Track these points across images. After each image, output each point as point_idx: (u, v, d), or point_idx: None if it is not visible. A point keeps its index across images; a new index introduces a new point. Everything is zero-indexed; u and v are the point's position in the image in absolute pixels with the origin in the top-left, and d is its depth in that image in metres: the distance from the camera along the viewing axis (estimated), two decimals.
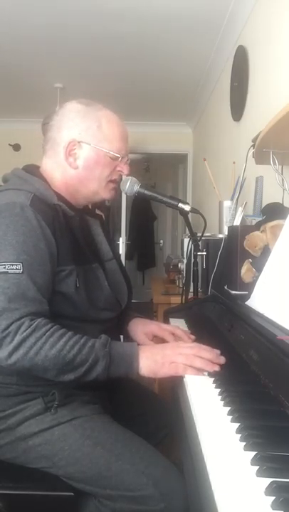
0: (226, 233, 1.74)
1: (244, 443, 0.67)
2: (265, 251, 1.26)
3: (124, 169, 1.25)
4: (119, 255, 1.44)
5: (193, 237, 1.68)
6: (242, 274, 1.33)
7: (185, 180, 5.58)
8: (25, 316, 1.00)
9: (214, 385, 0.94)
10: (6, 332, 0.97)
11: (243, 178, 2.04)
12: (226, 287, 1.50)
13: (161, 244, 6.92)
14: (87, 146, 1.19)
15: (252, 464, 0.62)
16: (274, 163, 1.45)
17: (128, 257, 6.54)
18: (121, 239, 5.45)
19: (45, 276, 1.06)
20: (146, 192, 1.41)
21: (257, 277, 1.21)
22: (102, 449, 1.02)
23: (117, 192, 1.32)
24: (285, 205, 1.53)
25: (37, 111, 4.30)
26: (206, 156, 3.65)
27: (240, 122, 2.71)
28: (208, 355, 1.02)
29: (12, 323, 0.98)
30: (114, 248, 1.38)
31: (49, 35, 3.10)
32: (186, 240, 2.11)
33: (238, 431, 0.71)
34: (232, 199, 2.11)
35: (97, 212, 1.38)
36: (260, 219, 1.42)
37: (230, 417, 0.77)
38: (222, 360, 1.03)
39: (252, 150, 1.63)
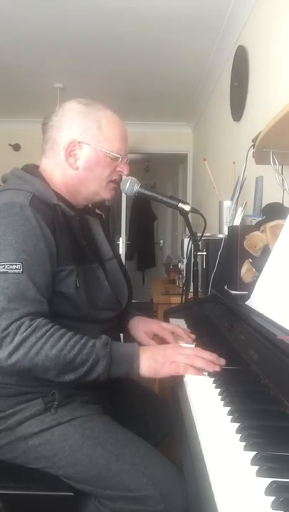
0: (226, 233, 1.73)
1: (244, 443, 0.67)
2: (265, 251, 1.26)
3: (124, 169, 1.25)
4: (120, 255, 1.44)
5: (193, 237, 1.68)
6: (242, 274, 1.33)
7: (185, 180, 5.58)
8: (25, 316, 1.00)
9: (214, 385, 0.94)
10: (6, 332, 0.97)
11: (243, 178, 2.04)
12: (226, 287, 1.50)
13: (161, 244, 6.92)
14: (87, 146, 1.19)
15: (252, 464, 0.62)
16: (274, 163, 1.45)
17: (128, 257, 6.54)
18: (121, 239, 5.45)
19: (45, 276, 1.06)
20: (146, 192, 1.41)
21: (257, 277, 1.21)
22: (102, 449, 1.02)
23: (117, 192, 1.32)
24: (285, 205, 1.53)
25: (37, 111, 4.30)
26: (206, 156, 3.65)
27: (240, 122, 2.71)
28: (208, 356, 1.02)
29: (12, 323, 0.98)
30: (115, 248, 1.38)
31: (49, 35, 3.10)
32: (186, 240, 2.12)
33: (238, 431, 0.71)
34: (232, 199, 2.11)
35: (97, 211, 1.38)
36: (260, 219, 1.42)
37: (230, 417, 0.77)
38: (222, 361, 1.03)
39: (252, 150, 1.63)
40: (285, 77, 1.92)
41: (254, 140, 1.59)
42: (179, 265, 2.60)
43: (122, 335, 1.38)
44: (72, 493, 1.05)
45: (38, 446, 1.06)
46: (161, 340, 1.31)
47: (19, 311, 0.99)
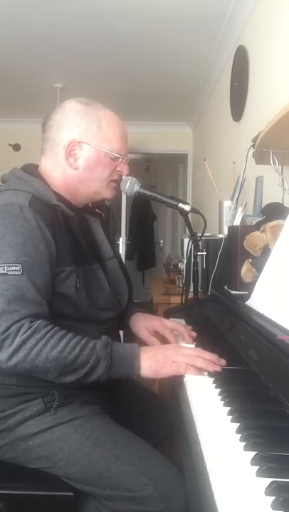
0: (226, 233, 1.73)
1: (244, 443, 0.67)
2: (265, 251, 1.26)
3: (124, 169, 1.25)
4: (120, 254, 1.44)
5: (193, 237, 1.68)
6: (242, 274, 1.33)
7: (185, 180, 5.58)
8: (24, 317, 1.00)
9: (214, 385, 0.94)
10: (6, 334, 0.97)
11: (243, 178, 2.04)
12: (226, 287, 1.50)
13: (161, 244, 6.92)
14: (87, 146, 1.19)
15: (252, 464, 0.62)
16: (274, 163, 1.45)
17: (128, 257, 6.54)
18: (121, 239, 5.45)
19: (45, 277, 1.06)
20: (146, 192, 1.41)
21: (257, 277, 1.21)
22: (102, 450, 1.02)
23: (118, 192, 1.32)
24: (285, 205, 1.53)
25: (37, 111, 4.29)
26: (206, 156, 3.65)
27: (240, 122, 2.71)
28: (209, 357, 1.02)
29: (12, 325, 0.98)
30: (115, 247, 1.38)
31: (49, 35, 3.10)
32: (186, 240, 2.11)
33: (238, 431, 0.71)
34: (232, 199, 2.11)
35: (97, 211, 1.38)
36: (260, 219, 1.42)
37: (230, 417, 0.77)
38: (223, 362, 1.03)
39: (252, 150, 1.63)
40: (285, 77, 1.92)
41: (254, 140, 1.59)
42: (179, 265, 2.60)
43: (121, 332, 1.37)
44: (72, 493, 1.05)
45: (38, 446, 1.06)
46: (162, 339, 1.30)
47: (19, 313, 0.99)
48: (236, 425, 0.73)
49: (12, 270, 1.01)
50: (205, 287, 1.96)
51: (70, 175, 1.20)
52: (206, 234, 1.93)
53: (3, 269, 1.01)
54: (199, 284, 1.85)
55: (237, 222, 1.62)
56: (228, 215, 2.09)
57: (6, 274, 1.01)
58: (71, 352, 0.99)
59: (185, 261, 2.00)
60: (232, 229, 1.52)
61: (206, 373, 1.01)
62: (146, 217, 7.40)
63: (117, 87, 3.98)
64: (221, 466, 0.62)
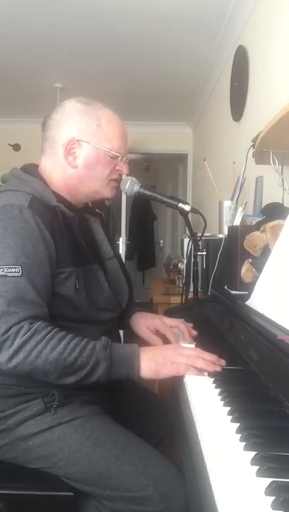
0: (226, 233, 1.73)
1: (244, 443, 0.67)
2: (265, 251, 1.26)
3: (124, 168, 1.24)
4: (120, 254, 1.44)
5: (193, 237, 1.68)
6: (242, 274, 1.33)
7: (185, 180, 5.58)
8: (24, 319, 1.00)
9: (214, 385, 0.94)
10: (6, 336, 0.97)
11: (243, 178, 2.04)
12: (226, 287, 1.50)
13: (161, 244, 6.92)
14: (86, 145, 1.19)
15: (252, 464, 0.62)
16: (274, 163, 1.45)
17: (128, 257, 6.54)
18: (121, 239, 5.45)
19: (44, 278, 1.06)
20: (146, 192, 1.41)
21: (257, 277, 1.21)
22: (102, 450, 1.02)
23: (118, 191, 1.32)
24: (285, 205, 1.53)
25: (37, 111, 4.29)
26: (206, 156, 3.65)
27: (240, 122, 2.71)
28: (209, 357, 1.02)
29: (11, 326, 0.98)
30: (115, 247, 1.38)
31: (49, 35, 3.10)
32: (186, 240, 2.11)
33: (238, 431, 0.71)
34: (232, 199, 2.11)
35: (97, 211, 1.38)
36: (260, 219, 1.42)
37: (230, 417, 0.77)
38: (223, 362, 1.03)
39: (252, 150, 1.63)
40: (285, 77, 1.92)
41: (254, 140, 1.59)
42: (179, 265, 2.60)
43: (122, 332, 1.37)
44: (72, 493, 1.05)
45: (38, 446, 1.06)
46: (163, 338, 1.30)
47: (19, 315, 0.99)
48: (236, 425, 0.73)
49: (11, 272, 1.01)
50: (205, 287, 1.96)
51: (70, 174, 1.20)
52: (206, 234, 1.93)
53: (3, 271, 1.01)
54: (199, 284, 1.85)
55: (237, 222, 1.62)
56: (228, 215, 2.09)
57: (6, 275, 1.00)
58: (71, 353, 0.98)
59: (185, 261, 2.00)
60: (232, 229, 1.52)
61: (206, 373, 1.01)
62: (146, 217, 7.40)
63: (117, 87, 3.98)
64: (221, 466, 0.62)
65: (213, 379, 0.97)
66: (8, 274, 1.01)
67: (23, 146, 5.20)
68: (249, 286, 1.25)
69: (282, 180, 1.53)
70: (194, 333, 1.31)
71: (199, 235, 1.69)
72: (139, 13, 2.77)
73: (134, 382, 1.23)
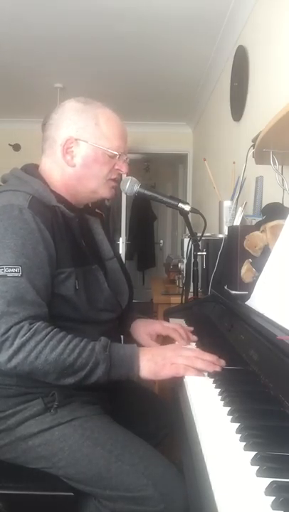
0: (226, 233, 1.73)
1: (244, 443, 0.67)
2: (265, 251, 1.26)
3: (123, 167, 1.24)
4: (120, 255, 1.44)
5: (193, 237, 1.68)
6: (242, 274, 1.33)
7: (185, 180, 5.58)
8: (24, 319, 1.00)
9: (214, 385, 0.94)
10: (6, 336, 0.97)
11: (243, 178, 2.04)
12: (226, 287, 1.50)
13: (161, 244, 6.92)
14: (84, 143, 1.18)
15: (252, 464, 0.62)
16: (274, 163, 1.45)
17: (128, 257, 6.54)
18: (121, 239, 5.45)
19: (44, 279, 1.06)
20: (146, 192, 1.41)
21: (257, 277, 1.21)
22: (102, 450, 1.02)
23: (117, 191, 1.31)
24: (285, 205, 1.53)
25: (37, 111, 4.29)
26: (206, 156, 3.65)
27: (240, 122, 2.71)
28: (208, 358, 1.02)
29: (11, 327, 0.98)
30: (115, 248, 1.38)
31: (49, 35, 3.10)
32: (186, 240, 2.11)
33: (238, 431, 0.71)
34: (232, 199, 2.11)
35: (97, 211, 1.38)
36: (260, 219, 1.42)
37: (230, 417, 0.77)
38: (222, 362, 1.03)
39: (252, 150, 1.63)
40: (285, 77, 1.92)
41: (254, 140, 1.59)
42: (179, 265, 2.60)
43: (122, 337, 1.37)
44: (72, 493, 1.05)
45: (38, 446, 1.06)
46: (166, 341, 1.30)
47: (18, 315, 0.99)
48: (236, 425, 0.73)
49: (11, 272, 1.01)
50: (205, 287, 1.96)
51: (69, 173, 1.20)
52: (206, 234, 1.93)
53: (3, 271, 1.01)
54: (199, 284, 1.85)
55: (237, 222, 1.62)
56: (228, 215, 2.09)
57: (6, 275, 1.00)
58: (70, 354, 0.98)
59: (185, 261, 2.00)
60: (232, 229, 1.52)
61: (206, 373, 1.01)
62: (146, 217, 7.40)
63: (117, 87, 3.98)
64: (221, 466, 0.62)
65: (213, 379, 0.97)
66: (8, 274, 1.01)
67: (23, 146, 5.20)
68: (249, 286, 1.25)
69: (282, 180, 1.53)
70: (194, 338, 1.30)
71: (199, 235, 1.69)
72: (139, 13, 2.77)
73: (134, 382, 1.22)
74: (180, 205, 1.45)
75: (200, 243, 1.73)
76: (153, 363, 1.03)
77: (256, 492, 0.55)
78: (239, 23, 2.65)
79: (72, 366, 0.99)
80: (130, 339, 1.37)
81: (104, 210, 1.41)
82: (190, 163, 5.34)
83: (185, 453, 0.73)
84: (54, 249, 1.09)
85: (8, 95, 4.34)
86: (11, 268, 1.01)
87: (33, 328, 0.99)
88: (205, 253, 1.92)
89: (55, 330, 1.01)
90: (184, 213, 1.48)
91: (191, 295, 1.84)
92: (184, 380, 0.99)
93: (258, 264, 1.25)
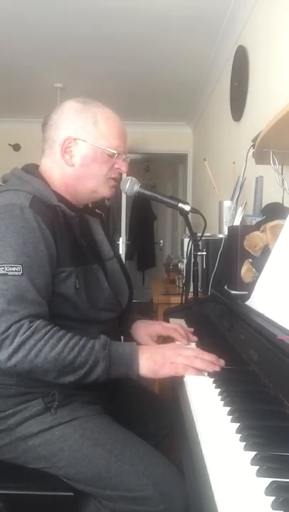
0: (226, 233, 1.73)
1: (244, 443, 0.67)
2: (265, 251, 1.26)
3: (123, 166, 1.24)
4: (120, 255, 1.44)
5: (193, 237, 1.68)
6: (242, 274, 1.33)
7: (185, 180, 5.58)
8: (24, 318, 1.00)
9: (214, 385, 0.94)
10: (6, 334, 0.97)
11: (243, 178, 2.04)
12: (226, 287, 1.50)
13: (161, 244, 6.92)
14: (83, 143, 1.19)
15: (252, 464, 0.62)
16: (274, 163, 1.45)
17: (128, 257, 6.54)
18: (121, 239, 5.45)
19: (45, 278, 1.06)
20: (146, 192, 1.41)
21: (257, 277, 1.21)
22: (102, 450, 1.02)
23: (117, 191, 1.31)
24: (285, 205, 1.53)
25: (37, 111, 4.30)
26: (206, 156, 3.65)
27: (240, 122, 2.71)
28: (208, 357, 1.02)
29: (11, 325, 0.98)
30: (115, 248, 1.38)
31: (49, 35, 3.10)
32: (186, 240, 2.11)
33: (238, 431, 0.71)
34: (232, 199, 2.11)
35: (97, 211, 1.38)
36: (260, 219, 1.42)
37: (230, 417, 0.77)
38: (222, 362, 1.03)
39: (252, 150, 1.63)
40: (285, 77, 1.92)
41: (254, 140, 1.59)
42: (179, 265, 2.60)
43: (122, 338, 1.37)
44: (72, 493, 1.05)
45: (38, 446, 1.06)
46: (167, 341, 1.30)
47: (19, 314, 0.99)
48: (236, 425, 0.73)
49: (12, 271, 1.01)
50: (205, 287, 1.96)
51: (68, 173, 1.20)
52: (206, 234, 1.93)
53: (4, 270, 1.01)
54: (199, 284, 1.85)
55: (237, 222, 1.62)
56: (228, 215, 2.09)
57: (6, 274, 1.01)
58: (70, 353, 0.99)
59: (185, 261, 2.00)
60: (232, 229, 1.52)
61: (205, 373, 1.01)
62: (146, 217, 7.40)
63: (117, 87, 3.98)
64: (221, 466, 0.62)
65: (213, 379, 0.97)
66: (9, 273, 1.01)
67: (23, 146, 5.20)
68: (249, 286, 1.25)
69: (282, 180, 1.53)
70: (194, 339, 1.30)
71: (199, 235, 1.69)
72: (139, 13, 2.77)
73: (134, 382, 1.23)
74: (180, 205, 1.45)
75: (200, 243, 1.73)
76: (152, 361, 1.03)
77: (256, 492, 0.55)
78: (239, 23, 2.65)
79: (71, 364, 0.99)
80: (130, 340, 1.37)
81: (104, 210, 1.41)
82: (190, 163, 5.34)
83: (185, 453, 0.73)
84: (55, 248, 1.09)
85: (8, 95, 4.34)
86: (12, 267, 1.01)
87: (33, 327, 0.99)
88: (205, 253, 1.92)
89: (54, 328, 1.02)
90: (184, 213, 1.48)
91: (191, 295, 1.84)
92: (184, 379, 0.99)
93: (258, 264, 1.25)
